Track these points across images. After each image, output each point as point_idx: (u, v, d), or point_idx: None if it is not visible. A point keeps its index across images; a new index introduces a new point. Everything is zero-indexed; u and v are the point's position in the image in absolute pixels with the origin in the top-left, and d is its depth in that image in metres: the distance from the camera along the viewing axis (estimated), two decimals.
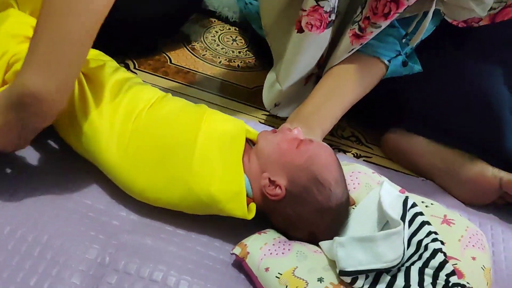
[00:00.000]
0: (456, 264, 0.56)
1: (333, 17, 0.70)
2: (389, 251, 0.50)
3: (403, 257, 0.51)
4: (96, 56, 0.65)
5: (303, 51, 0.72)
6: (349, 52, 0.73)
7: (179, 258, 0.56)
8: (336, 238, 0.52)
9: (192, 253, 0.58)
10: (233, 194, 0.56)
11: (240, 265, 0.57)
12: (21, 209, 0.58)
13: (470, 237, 0.60)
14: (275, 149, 0.58)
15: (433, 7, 0.69)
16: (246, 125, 0.63)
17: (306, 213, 0.56)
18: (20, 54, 0.58)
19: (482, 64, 0.78)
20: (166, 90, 0.83)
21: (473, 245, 0.59)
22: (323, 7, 0.67)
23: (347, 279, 0.50)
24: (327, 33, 0.72)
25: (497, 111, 0.75)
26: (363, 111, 0.84)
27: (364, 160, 0.81)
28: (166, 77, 0.87)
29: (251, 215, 0.57)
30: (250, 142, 0.63)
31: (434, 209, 0.63)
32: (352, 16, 0.73)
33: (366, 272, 0.50)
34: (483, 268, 0.57)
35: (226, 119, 0.63)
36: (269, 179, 0.56)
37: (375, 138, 0.85)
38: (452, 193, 0.77)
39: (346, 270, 0.50)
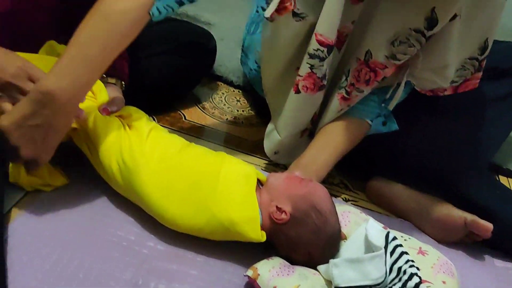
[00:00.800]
0: (430, 286, 0.69)
1: (324, 82, 0.86)
2: (374, 270, 0.62)
3: (385, 277, 0.64)
4: (134, 111, 0.79)
5: (299, 108, 0.87)
6: (338, 112, 0.88)
7: (200, 280, 0.68)
8: (331, 260, 0.64)
9: (210, 275, 0.69)
10: (249, 219, 0.69)
11: (251, 286, 0.68)
12: (65, 239, 0.69)
13: (441, 265, 0.72)
14: (282, 183, 0.73)
15: (405, 79, 0.86)
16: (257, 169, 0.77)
17: (305, 234, 0.69)
18: None
19: (446, 122, 0.94)
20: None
21: (443, 271, 0.71)
22: (316, 74, 0.83)
23: None
24: (320, 95, 0.87)
25: (461, 162, 0.91)
26: (349, 162, 0.99)
27: (351, 203, 0.95)
28: (182, 131, 1.02)
29: (263, 239, 0.70)
30: (260, 183, 0.77)
31: (411, 242, 0.76)
32: (337, 82, 0.89)
33: None
34: None
35: (242, 162, 0.78)
36: (277, 206, 0.70)
37: (360, 185, 0.99)
38: (426, 232, 0.90)
39: (340, 286, 0.62)
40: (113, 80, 0.84)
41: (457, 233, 0.87)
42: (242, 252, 0.73)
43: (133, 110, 0.79)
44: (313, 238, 0.70)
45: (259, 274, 0.67)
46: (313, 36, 0.79)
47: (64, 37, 0.83)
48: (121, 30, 0.68)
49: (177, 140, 0.78)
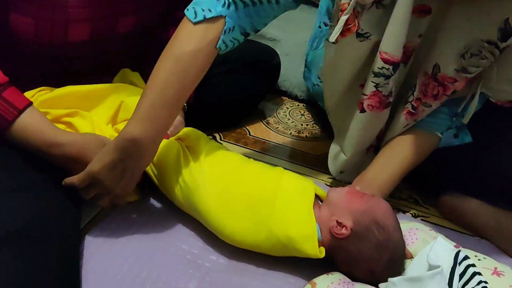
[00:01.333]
0: None
1: (391, 99, 0.83)
2: None
3: None
4: (192, 132, 0.83)
5: (365, 127, 0.85)
6: (404, 127, 0.85)
7: None
8: (390, 278, 0.61)
9: (272, 286, 0.69)
10: (306, 236, 0.68)
11: None
12: (135, 253, 0.73)
13: None
14: (343, 197, 0.72)
15: (479, 91, 0.80)
16: (315, 184, 0.77)
17: (367, 250, 0.67)
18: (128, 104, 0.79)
19: None
20: (247, 157, 0.99)
21: None
22: (381, 92, 0.81)
23: None
24: (386, 112, 0.85)
25: None
26: (420, 175, 0.95)
27: (421, 219, 0.90)
28: (246, 147, 1.04)
29: (321, 256, 0.69)
30: (318, 199, 0.76)
31: (486, 262, 0.71)
32: (404, 96, 0.86)
33: None
34: None
35: (300, 177, 0.78)
36: (337, 221, 0.69)
37: (431, 200, 0.94)
38: (506, 253, 0.83)
39: None
40: None
41: None
42: (304, 265, 0.73)
43: (191, 132, 0.82)
44: (375, 254, 0.67)
45: None
46: (378, 54, 0.77)
47: (133, 63, 0.91)
48: (194, 70, 0.72)
49: (235, 157, 0.79)
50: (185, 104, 0.91)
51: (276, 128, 1.12)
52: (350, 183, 0.87)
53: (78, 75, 0.84)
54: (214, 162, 0.77)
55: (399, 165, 0.84)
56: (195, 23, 0.71)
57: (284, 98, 1.24)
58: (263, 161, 0.98)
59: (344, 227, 0.69)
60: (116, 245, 0.74)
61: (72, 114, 0.78)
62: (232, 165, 0.77)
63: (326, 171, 0.98)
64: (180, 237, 0.78)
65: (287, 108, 1.20)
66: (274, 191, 0.72)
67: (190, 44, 0.71)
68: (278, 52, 1.36)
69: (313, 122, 1.15)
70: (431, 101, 0.81)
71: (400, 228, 0.72)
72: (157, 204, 0.83)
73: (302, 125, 1.14)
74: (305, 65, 1.11)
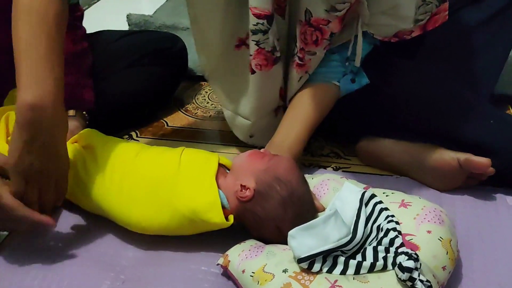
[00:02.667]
0: (412, 239, 0.63)
1: (277, 54, 0.82)
2: (333, 232, 0.58)
3: (351, 236, 0.59)
4: (88, 132, 0.80)
5: (260, 88, 0.84)
6: (298, 81, 0.84)
7: (174, 278, 0.67)
8: (289, 232, 0.61)
9: (187, 271, 0.68)
10: (209, 204, 0.67)
11: (227, 273, 0.67)
12: (46, 264, 0.70)
13: (426, 214, 0.66)
14: (245, 160, 0.72)
15: (360, 31, 0.80)
16: (221, 156, 0.75)
17: (272, 208, 0.67)
18: None
19: (427, 63, 0.87)
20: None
21: (428, 221, 0.65)
22: (264, 48, 0.80)
23: (305, 265, 0.58)
24: (278, 68, 0.83)
25: (446, 100, 0.83)
26: (335, 128, 0.95)
27: (343, 171, 0.90)
28: (164, 138, 1.02)
29: (229, 223, 0.68)
30: (226, 169, 0.75)
31: (393, 197, 0.70)
32: (293, 49, 0.84)
33: (318, 255, 0.58)
34: (441, 239, 0.63)
35: (201, 151, 0.76)
36: (241, 185, 0.68)
37: (352, 150, 0.94)
38: (425, 183, 0.83)
39: (300, 257, 0.58)
40: (72, 113, 0.86)
41: (456, 177, 0.79)
42: (222, 242, 0.71)
43: (86, 132, 0.80)
44: (280, 211, 0.67)
45: (229, 261, 0.65)
46: (249, 11, 0.76)
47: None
48: (53, 19, 0.65)
49: (133, 146, 0.78)
50: (85, 113, 0.90)
51: (195, 114, 1.10)
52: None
53: None
54: (111, 156, 0.75)
55: (304, 123, 0.84)
56: None
57: (203, 83, 1.22)
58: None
59: (248, 189, 0.68)
60: (26, 262, 0.71)
61: None
62: (129, 154, 0.75)
63: (246, 145, 0.97)
64: (95, 240, 0.75)
65: (206, 92, 1.18)
66: (175, 169, 0.71)
67: None
68: (191, 38, 1.36)
69: None
70: (313, 48, 0.80)
71: (306, 182, 0.72)
72: (68, 213, 0.80)
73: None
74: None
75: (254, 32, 0.78)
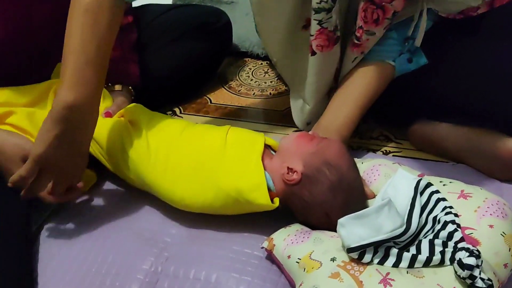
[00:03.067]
0: (472, 233, 0.58)
1: (338, 33, 0.78)
2: (386, 222, 0.54)
3: (405, 227, 0.56)
4: (134, 107, 0.80)
5: (320, 70, 0.80)
6: (353, 61, 0.79)
7: (218, 258, 0.66)
8: (338, 220, 0.57)
9: (230, 252, 0.67)
10: (255, 185, 0.65)
11: (271, 257, 0.65)
12: (90, 239, 0.71)
13: (488, 207, 0.61)
14: (293, 143, 0.69)
15: (425, 8, 0.74)
16: (267, 136, 0.73)
17: (319, 193, 0.64)
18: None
19: (489, 43, 0.80)
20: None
21: (490, 214, 0.60)
22: (327, 28, 0.75)
23: (355, 255, 0.55)
24: (337, 49, 0.80)
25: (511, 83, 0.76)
26: (388, 110, 0.89)
27: (393, 155, 0.85)
28: (207, 115, 1.00)
29: (275, 205, 0.66)
30: (272, 150, 0.73)
31: (452, 187, 0.66)
32: (351, 29, 0.80)
33: (369, 246, 0.55)
34: (503, 234, 0.58)
35: (247, 131, 0.74)
36: (288, 167, 0.65)
37: (404, 133, 0.89)
38: (483, 172, 0.78)
39: (351, 246, 0.55)
40: (119, 87, 0.86)
41: None
42: (265, 224, 0.69)
43: (133, 107, 0.80)
44: (329, 197, 0.64)
45: (274, 245, 0.63)
46: None
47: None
48: (106, 20, 0.66)
49: (178, 123, 0.76)
50: (131, 88, 0.89)
51: (238, 91, 1.08)
52: None
53: (11, 77, 0.82)
54: (156, 132, 0.74)
55: (355, 104, 0.79)
56: None
57: (247, 59, 1.18)
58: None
59: (295, 172, 0.65)
60: (70, 234, 0.73)
61: (8, 114, 0.76)
62: (175, 131, 0.74)
63: (292, 125, 0.93)
64: (139, 215, 0.75)
65: (250, 69, 1.15)
66: (221, 148, 0.69)
67: None
68: (237, 14, 1.32)
69: (276, 77, 1.10)
70: (373, 28, 0.75)
71: (357, 168, 0.68)
72: (112, 187, 0.81)
73: (265, 83, 1.09)
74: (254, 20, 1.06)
75: (317, 11, 0.74)
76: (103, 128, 0.75)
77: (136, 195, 0.78)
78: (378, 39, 0.77)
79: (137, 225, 0.74)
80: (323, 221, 0.64)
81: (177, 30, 0.98)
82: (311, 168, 0.65)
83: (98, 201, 0.78)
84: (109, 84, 0.85)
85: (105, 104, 0.81)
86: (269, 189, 0.66)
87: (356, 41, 0.78)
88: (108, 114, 0.78)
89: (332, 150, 0.67)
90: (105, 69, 0.68)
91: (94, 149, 0.76)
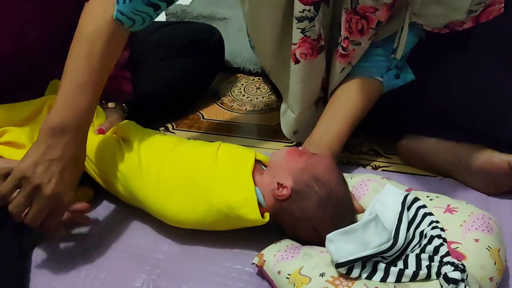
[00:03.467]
0: (458, 247, 0.59)
1: (322, 42, 0.79)
2: (373, 237, 0.55)
3: (391, 242, 0.57)
4: (126, 124, 0.81)
5: (304, 78, 0.82)
6: (340, 72, 0.81)
7: (209, 274, 0.66)
8: (327, 235, 0.58)
9: (221, 268, 0.67)
10: (245, 200, 0.66)
11: (262, 273, 0.65)
12: (82, 258, 0.71)
13: (473, 221, 0.62)
14: (283, 158, 0.70)
15: (407, 21, 0.76)
16: (257, 152, 0.74)
17: (309, 208, 0.65)
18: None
19: (474, 58, 0.82)
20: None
21: (475, 228, 0.61)
22: (309, 36, 0.77)
23: (343, 270, 0.56)
24: (321, 58, 0.81)
25: (498, 98, 0.78)
26: (376, 125, 0.91)
27: (382, 170, 0.87)
28: (200, 131, 1.01)
29: (265, 220, 0.67)
30: (262, 165, 0.74)
31: (438, 201, 0.67)
32: (336, 39, 0.81)
33: (357, 261, 0.56)
34: (488, 248, 0.60)
35: (238, 146, 0.75)
36: (278, 183, 0.67)
37: (393, 148, 0.90)
38: (471, 186, 0.79)
39: (339, 262, 0.56)
40: (112, 105, 0.87)
41: (505, 180, 0.75)
42: (257, 240, 0.70)
43: (125, 124, 0.81)
44: (318, 212, 0.65)
45: (265, 261, 0.64)
46: None
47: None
48: (99, 52, 0.69)
49: (170, 140, 0.77)
50: (124, 105, 0.90)
51: (231, 106, 1.09)
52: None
53: (7, 93, 0.83)
54: (148, 148, 0.75)
55: (345, 119, 0.81)
56: None
57: (239, 75, 1.20)
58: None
59: (285, 188, 0.66)
60: (63, 252, 0.73)
61: (2, 133, 0.77)
62: (166, 147, 0.75)
63: (283, 139, 0.95)
64: (131, 233, 0.76)
65: (242, 85, 1.16)
66: (212, 164, 0.71)
67: (92, 22, 0.69)
68: (230, 30, 1.34)
69: (268, 93, 1.12)
70: (358, 38, 0.77)
71: (345, 183, 0.69)
72: (104, 204, 0.81)
73: (257, 98, 1.11)
74: (248, 35, 1.08)
75: (300, 20, 0.76)
76: (95, 144, 0.76)
77: (128, 211, 0.78)
78: (364, 50, 0.79)
79: (129, 242, 0.74)
80: (313, 236, 0.65)
81: (170, 47, 1.00)
82: (301, 184, 0.66)
83: (94, 219, 0.78)
84: (103, 101, 0.86)
85: (98, 121, 0.82)
86: (259, 204, 0.68)
87: (342, 51, 0.79)
88: (101, 131, 0.79)
89: (321, 166, 0.68)
90: (98, 93, 0.70)
91: (86, 165, 0.77)
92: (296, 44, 0.79)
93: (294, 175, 0.67)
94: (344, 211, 0.66)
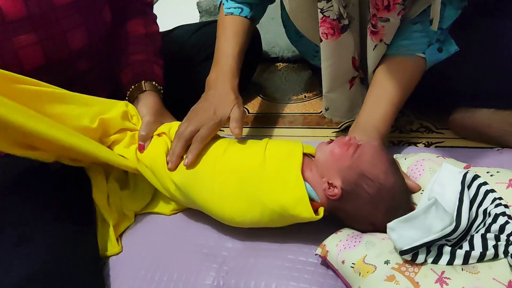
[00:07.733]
0: None
1: (344, 22, 0.78)
2: (435, 221, 0.55)
3: (455, 224, 0.56)
4: (174, 125, 0.83)
5: (330, 57, 0.82)
6: (373, 49, 0.80)
7: (275, 268, 0.68)
8: (387, 224, 0.59)
9: (286, 261, 0.69)
10: (297, 199, 0.67)
11: (326, 263, 0.67)
12: (154, 260, 0.75)
13: None
14: (329, 156, 0.69)
15: None
16: (304, 144, 0.75)
17: (361, 207, 0.65)
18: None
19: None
20: (249, 136, 0.99)
21: None
22: (329, 16, 0.77)
23: (408, 257, 0.57)
24: (347, 37, 0.80)
25: None
26: (425, 101, 0.89)
27: (436, 146, 0.85)
28: (246, 126, 1.03)
29: (319, 216, 0.67)
30: (311, 157, 0.74)
31: (499, 176, 0.65)
32: (367, 17, 0.80)
33: (421, 247, 0.56)
34: None
35: (285, 142, 0.76)
36: (328, 182, 0.67)
37: (445, 122, 0.88)
38: None
39: (403, 249, 0.56)
40: (147, 86, 0.87)
41: None
42: (317, 230, 0.71)
43: (174, 126, 0.82)
44: (371, 209, 0.65)
45: (327, 251, 0.65)
46: None
47: (105, 83, 0.92)
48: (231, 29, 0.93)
49: (220, 142, 0.79)
50: (155, 84, 0.90)
51: (274, 98, 1.10)
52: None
53: None
54: (201, 153, 0.77)
55: (390, 100, 0.79)
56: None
57: (278, 64, 1.21)
58: (264, 135, 0.99)
59: (335, 187, 0.67)
60: (136, 258, 0.77)
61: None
62: (218, 150, 0.77)
63: (332, 126, 0.95)
64: (195, 233, 0.79)
65: (282, 74, 1.17)
66: (260, 165, 0.72)
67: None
68: (263, 19, 1.33)
69: (309, 79, 1.12)
70: (386, 14, 0.75)
71: (395, 167, 0.68)
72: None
73: (299, 86, 1.11)
74: (283, 24, 1.07)
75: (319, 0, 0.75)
76: (147, 150, 0.80)
77: (189, 214, 0.82)
78: (396, 27, 0.77)
79: (194, 242, 0.78)
80: (370, 229, 0.66)
81: (207, 49, 1.01)
82: (350, 184, 0.66)
83: (155, 223, 0.83)
84: (136, 84, 0.87)
85: (132, 122, 0.83)
86: (312, 199, 0.68)
87: (372, 29, 0.78)
88: (141, 147, 0.81)
89: (366, 159, 0.66)
90: (237, 59, 0.90)
91: (143, 168, 0.80)
92: (319, 22, 0.79)
93: (342, 175, 0.67)
94: (398, 201, 0.65)
